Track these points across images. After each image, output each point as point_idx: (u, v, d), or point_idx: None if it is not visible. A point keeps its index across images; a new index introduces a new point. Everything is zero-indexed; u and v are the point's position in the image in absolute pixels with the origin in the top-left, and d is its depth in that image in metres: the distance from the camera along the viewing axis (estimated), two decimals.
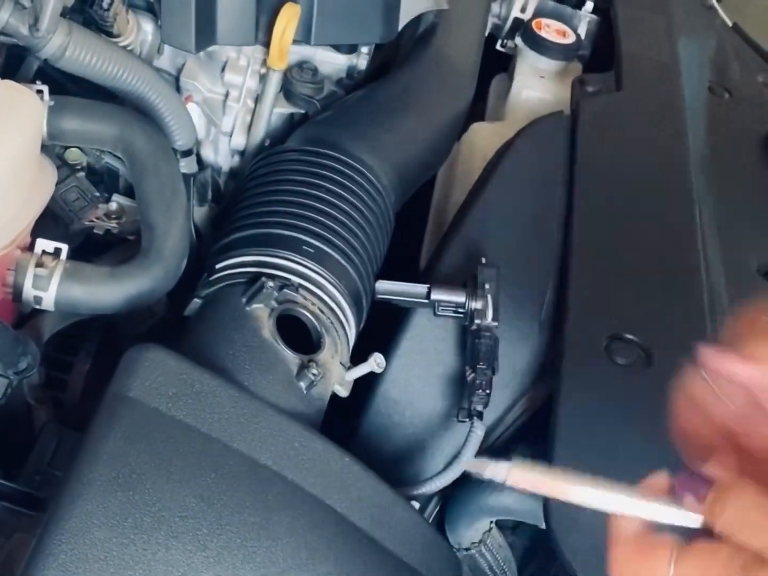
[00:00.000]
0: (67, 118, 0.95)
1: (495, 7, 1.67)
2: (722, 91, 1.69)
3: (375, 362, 0.97)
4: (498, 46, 1.68)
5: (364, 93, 1.16)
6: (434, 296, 0.99)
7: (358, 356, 1.01)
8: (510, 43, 1.67)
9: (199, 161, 1.14)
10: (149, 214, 0.93)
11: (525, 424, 1.09)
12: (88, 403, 1.13)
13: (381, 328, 1.08)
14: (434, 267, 1.11)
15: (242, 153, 1.19)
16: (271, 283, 0.89)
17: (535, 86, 1.54)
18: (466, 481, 1.00)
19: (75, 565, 0.66)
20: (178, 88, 1.17)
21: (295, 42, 1.10)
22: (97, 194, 1.02)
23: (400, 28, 1.17)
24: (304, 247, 0.96)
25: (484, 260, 1.02)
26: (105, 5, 0.99)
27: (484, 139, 1.43)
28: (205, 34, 1.06)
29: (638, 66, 1.47)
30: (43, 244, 0.87)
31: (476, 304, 0.98)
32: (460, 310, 0.99)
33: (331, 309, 0.94)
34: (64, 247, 0.87)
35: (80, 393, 1.14)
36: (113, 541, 0.68)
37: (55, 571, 0.66)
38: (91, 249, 1.05)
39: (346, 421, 1.07)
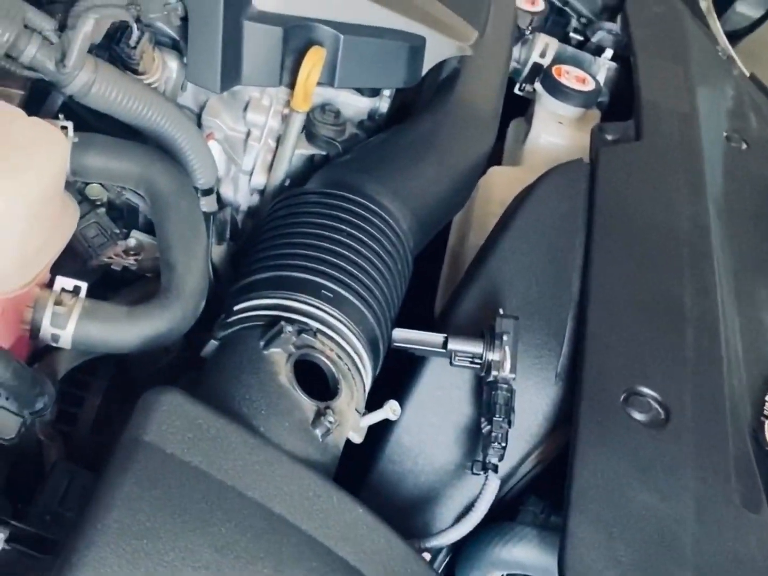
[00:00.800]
0: (91, 155, 0.95)
1: (515, 52, 1.68)
2: (739, 140, 1.70)
3: (390, 409, 0.96)
4: (516, 90, 1.69)
5: (386, 137, 1.16)
6: (451, 346, 0.98)
7: (371, 401, 1.00)
8: (528, 87, 1.68)
9: (219, 199, 1.14)
10: (170, 253, 0.93)
11: (538, 475, 1.08)
12: (97, 438, 1.12)
13: (396, 373, 1.07)
14: (450, 315, 1.10)
15: (262, 192, 1.19)
16: (289, 328, 0.89)
17: (554, 132, 1.54)
18: (478, 533, 0.99)
19: None
20: (199, 125, 1.17)
21: (318, 84, 1.10)
22: (117, 231, 1.02)
23: (423, 73, 1.17)
24: (323, 291, 0.95)
25: (501, 311, 1.01)
26: (132, 43, 1.00)
27: (501, 183, 1.43)
28: (231, 74, 1.06)
29: (658, 115, 1.47)
30: (63, 282, 0.86)
31: (494, 356, 0.98)
32: (477, 360, 0.99)
33: (349, 355, 0.93)
34: (83, 286, 0.87)
35: (90, 428, 1.14)
36: None
37: None
38: (109, 284, 1.05)
39: (358, 465, 1.06)
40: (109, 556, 0.68)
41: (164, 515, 0.72)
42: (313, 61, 1.05)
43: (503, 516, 1.05)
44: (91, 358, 1.02)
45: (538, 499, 1.07)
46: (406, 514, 1.05)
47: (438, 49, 1.17)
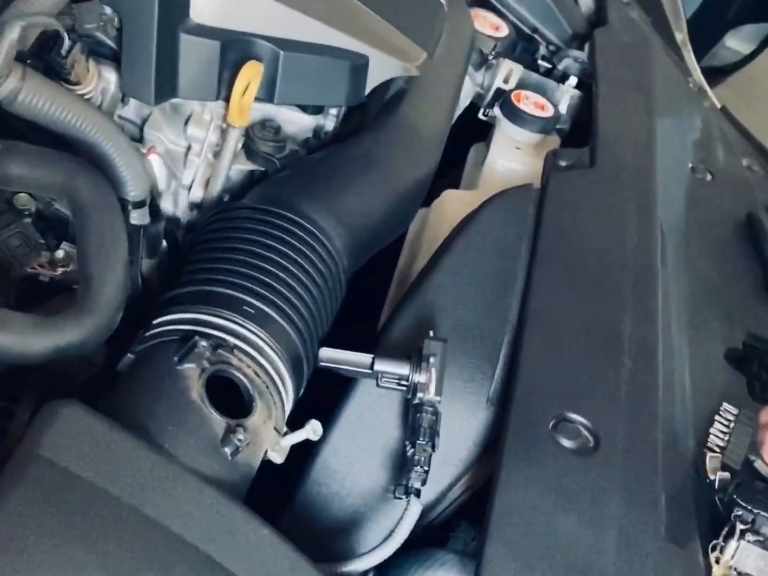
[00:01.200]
0: (14, 163, 0.94)
1: (478, 77, 1.68)
2: (704, 171, 1.70)
3: (312, 429, 0.94)
4: (480, 115, 1.69)
5: (324, 154, 1.15)
6: (377, 367, 0.97)
7: (299, 422, 0.98)
8: (492, 113, 1.68)
9: (156, 213, 1.12)
10: (87, 264, 0.91)
11: (467, 501, 1.06)
12: None
13: (325, 394, 1.05)
14: (384, 335, 1.08)
15: (200, 206, 1.18)
16: (204, 343, 0.87)
17: (511, 157, 1.54)
18: (400, 557, 0.97)
19: None
20: (141, 138, 1.16)
21: (257, 100, 1.09)
22: (42, 241, 1.00)
23: (367, 92, 1.16)
24: (245, 307, 0.93)
25: (432, 333, 1.00)
26: (63, 52, 0.99)
27: (454, 206, 1.42)
28: (166, 87, 1.05)
29: (613, 143, 1.47)
30: None
31: (419, 378, 0.96)
32: (403, 382, 0.97)
33: (267, 372, 0.92)
34: None
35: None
36: None
37: None
38: (36, 296, 1.03)
39: (283, 488, 1.04)
40: None
41: (53, 530, 0.70)
42: (249, 76, 1.04)
43: (433, 542, 1.03)
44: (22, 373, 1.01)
45: (469, 525, 1.05)
46: (331, 537, 1.03)
47: (382, 69, 1.16)
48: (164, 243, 1.14)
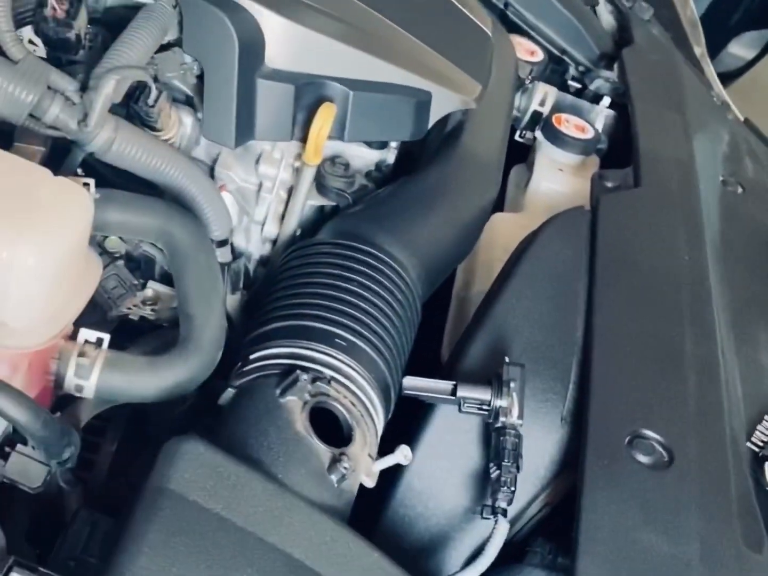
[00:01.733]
0: (112, 210, 0.98)
1: (515, 100, 1.72)
2: (735, 184, 1.73)
3: (402, 454, 0.99)
4: (517, 137, 1.73)
5: (394, 188, 1.20)
6: (460, 393, 1.01)
7: (381, 447, 1.02)
8: (528, 135, 1.72)
9: (232, 249, 1.17)
10: (188, 305, 0.96)
11: (545, 517, 1.10)
12: (113, 484, 1.15)
13: (405, 418, 1.10)
14: (458, 362, 1.12)
15: (274, 242, 1.22)
16: (304, 376, 0.92)
17: (554, 179, 1.58)
18: (488, 573, 1.01)
19: None
20: (212, 177, 1.21)
21: (328, 138, 1.13)
22: (135, 282, 1.05)
23: (429, 126, 1.21)
24: (336, 339, 0.98)
25: (507, 359, 1.04)
26: (151, 102, 1.03)
27: (504, 230, 1.46)
28: (245, 130, 1.10)
29: (656, 163, 1.51)
30: (86, 334, 0.89)
31: (501, 402, 1.00)
32: (485, 407, 1.01)
33: (362, 402, 0.96)
34: (106, 337, 0.90)
35: (105, 474, 1.16)
36: None
37: None
38: (126, 334, 1.07)
39: (369, 509, 1.08)
40: None
41: (190, 561, 0.75)
42: (324, 117, 1.09)
43: (511, 558, 1.07)
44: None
45: (546, 540, 1.09)
46: (417, 558, 1.07)
47: (443, 103, 1.21)
48: None
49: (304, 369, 0.93)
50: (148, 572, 0.73)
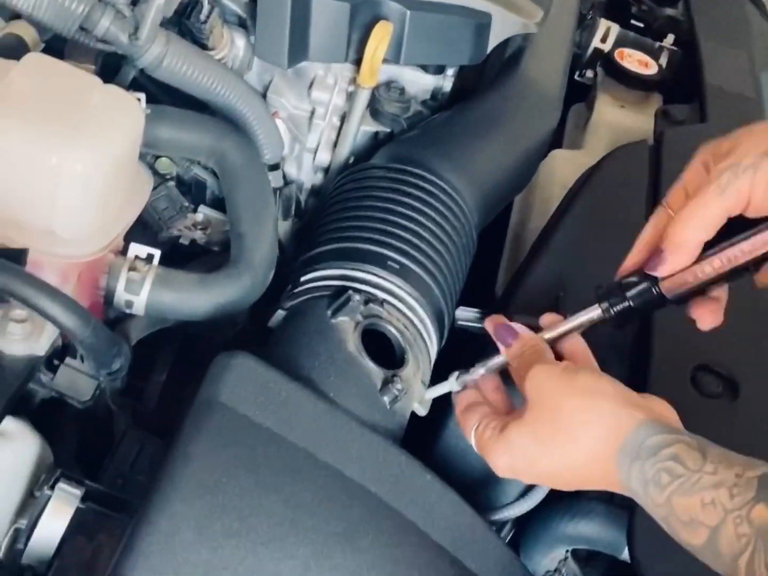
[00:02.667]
0: (163, 126, 0.96)
1: (575, 36, 1.67)
2: None
3: (455, 381, 0.96)
4: (576, 76, 1.68)
5: (450, 114, 1.16)
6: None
7: (433, 378, 1.00)
8: (588, 73, 1.67)
9: (283, 176, 1.15)
10: (240, 224, 0.94)
11: None
12: (162, 412, 1.14)
13: (457, 350, 1.07)
14: (513, 295, 1.09)
15: (326, 170, 1.19)
16: (357, 297, 0.89)
17: (615, 116, 1.53)
18: (543, 508, 0.98)
19: (165, 566, 0.66)
20: None
21: (383, 61, 1.10)
22: (186, 204, 1.03)
23: (489, 50, 1.17)
24: (390, 262, 0.95)
25: (561, 294, 1.01)
26: (203, 18, 1.01)
27: (563, 166, 1.42)
28: (298, 50, 1.07)
29: (722, 99, 1.46)
30: (137, 249, 0.87)
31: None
32: None
33: (415, 326, 0.94)
34: (157, 253, 0.88)
35: (155, 402, 1.15)
36: (203, 544, 0.68)
37: (146, 571, 0.66)
38: (176, 258, 1.06)
39: (420, 442, 1.06)
40: (186, 511, 0.69)
41: (239, 473, 0.73)
42: (380, 36, 1.06)
43: (567, 495, 1.04)
44: (158, 332, 1.04)
45: None
46: (469, 489, 1.05)
47: (503, 26, 1.16)
48: None
49: (356, 290, 0.91)
50: (196, 482, 0.71)
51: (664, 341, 1.02)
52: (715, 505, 0.66)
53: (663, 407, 0.78)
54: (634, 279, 0.84)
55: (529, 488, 0.97)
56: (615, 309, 0.85)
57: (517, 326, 0.86)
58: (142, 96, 0.94)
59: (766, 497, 0.64)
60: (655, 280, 0.82)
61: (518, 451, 0.78)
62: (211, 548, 0.68)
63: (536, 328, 0.88)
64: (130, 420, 1.02)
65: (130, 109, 0.83)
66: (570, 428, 0.76)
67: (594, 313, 0.86)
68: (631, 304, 0.84)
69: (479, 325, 1.01)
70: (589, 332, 0.94)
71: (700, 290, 0.82)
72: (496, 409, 0.85)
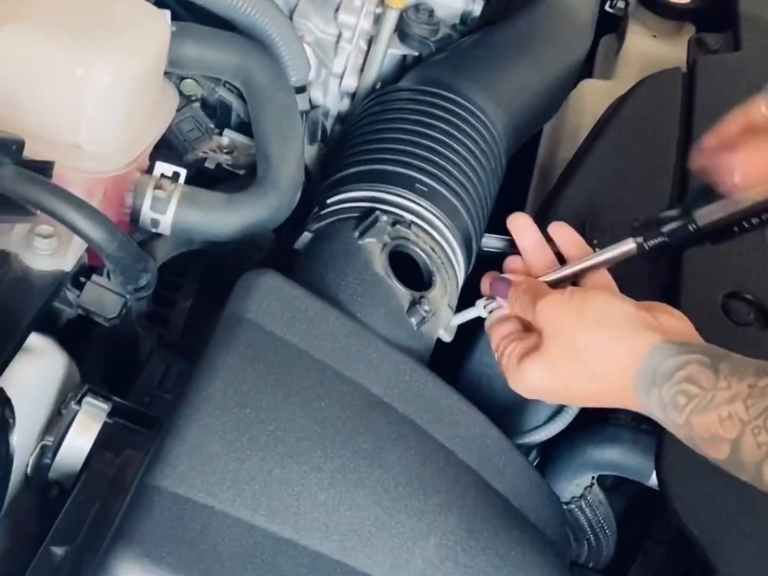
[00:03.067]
0: (189, 44, 0.95)
1: None
2: None
3: (482, 307, 0.95)
4: (607, 7, 1.64)
5: (479, 36, 1.14)
6: None
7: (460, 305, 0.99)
8: (620, 4, 1.63)
9: (309, 100, 1.13)
10: (266, 144, 0.93)
11: None
12: (188, 338, 1.14)
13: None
14: (540, 223, 1.08)
15: (352, 95, 1.18)
16: (384, 218, 0.88)
17: (647, 45, 1.50)
18: (569, 434, 0.98)
19: (192, 476, 0.66)
20: None
21: None
22: (212, 126, 1.02)
23: None
24: (417, 185, 0.94)
25: (587, 222, 1.00)
26: None
27: (593, 95, 1.39)
28: None
29: (756, 28, 1.42)
30: (163, 168, 0.87)
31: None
32: None
33: (443, 249, 0.93)
34: (183, 172, 0.87)
35: (181, 328, 1.15)
36: (230, 456, 0.68)
37: (173, 480, 0.66)
38: (201, 182, 1.05)
39: (447, 369, 1.05)
40: (214, 423, 0.69)
41: (266, 387, 0.73)
42: None
43: (594, 421, 1.04)
44: (182, 258, 1.03)
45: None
46: (496, 415, 1.04)
47: None
48: None
49: (384, 212, 0.90)
50: (223, 396, 0.71)
51: (695, 268, 1.01)
52: (732, 419, 0.66)
53: (671, 318, 0.78)
54: (671, 213, 0.82)
55: (556, 413, 0.96)
56: (650, 243, 0.83)
57: (509, 276, 0.85)
58: (167, 12, 0.92)
59: None
60: (690, 216, 0.80)
61: (537, 384, 0.79)
62: (238, 460, 0.68)
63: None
64: (156, 343, 1.02)
65: (156, 22, 0.82)
66: (586, 360, 0.76)
67: (628, 246, 0.84)
68: (667, 239, 0.82)
69: (508, 252, 1.00)
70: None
71: (736, 229, 0.80)
72: (523, 325, 0.84)
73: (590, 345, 0.76)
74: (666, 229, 0.82)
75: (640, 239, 0.83)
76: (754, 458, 0.65)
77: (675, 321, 0.78)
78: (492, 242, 1.00)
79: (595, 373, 0.76)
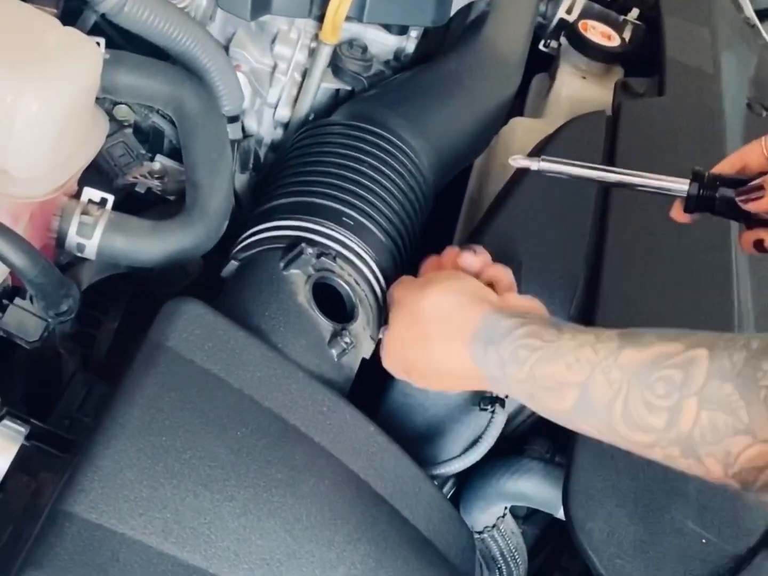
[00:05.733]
0: (122, 72, 0.96)
1: (541, 7, 1.68)
2: (760, 108, 1.69)
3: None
4: (541, 46, 1.69)
5: (411, 74, 1.17)
6: None
7: None
8: (553, 44, 1.68)
9: (243, 130, 1.15)
10: (195, 173, 0.94)
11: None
12: (113, 360, 1.14)
13: None
14: None
15: (286, 126, 1.20)
16: (309, 250, 0.90)
17: (577, 86, 1.54)
18: (484, 465, 1.01)
19: (105, 503, 0.67)
20: None
21: (347, 19, 1.10)
22: (143, 152, 1.03)
23: (451, 13, 1.17)
24: (344, 218, 0.96)
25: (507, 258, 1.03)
26: None
27: (522, 133, 1.43)
28: (261, 3, 1.06)
29: (681, 73, 1.47)
30: (90, 193, 0.88)
31: None
32: None
33: (367, 281, 0.95)
34: (110, 198, 0.88)
35: (106, 350, 1.15)
36: (144, 483, 0.69)
37: (85, 506, 0.67)
38: (131, 206, 1.06)
39: (368, 399, 1.07)
40: (129, 450, 0.70)
41: (183, 416, 0.74)
42: None
43: (511, 452, 1.07)
44: (110, 279, 1.04)
45: (544, 438, 1.08)
46: (414, 446, 1.06)
47: None
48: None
49: (310, 243, 0.92)
50: (141, 424, 0.72)
51: (607, 311, 1.04)
52: (580, 362, 0.68)
53: (519, 299, 0.82)
54: (736, 177, 0.84)
55: (472, 444, 0.99)
56: (703, 192, 0.86)
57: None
58: (102, 40, 0.93)
59: (629, 342, 0.66)
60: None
61: (392, 352, 0.86)
62: (151, 487, 0.69)
63: None
64: (79, 365, 1.02)
65: (88, 51, 0.83)
66: (425, 325, 0.80)
67: (682, 185, 0.87)
68: (717, 198, 0.85)
69: None
70: None
71: None
72: None
73: (429, 311, 0.80)
74: (720, 193, 0.85)
75: (695, 186, 0.86)
76: (605, 397, 0.66)
77: (523, 301, 0.81)
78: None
79: (431, 337, 0.79)
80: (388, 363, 0.89)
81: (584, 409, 0.67)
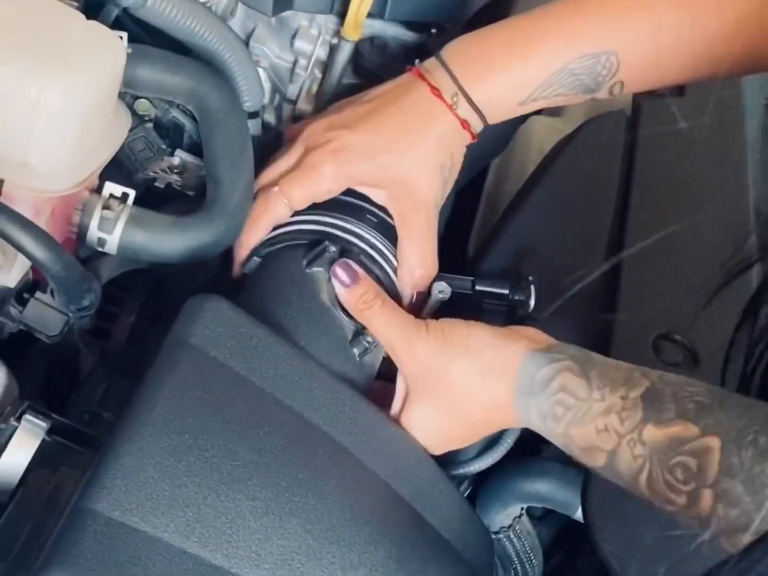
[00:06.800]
0: (144, 67, 0.95)
1: None
2: None
3: None
4: None
5: None
6: (479, 287, 1.00)
7: None
8: None
9: (262, 125, 1.14)
10: (216, 168, 0.93)
11: None
12: (129, 355, 1.14)
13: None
14: (480, 260, 1.11)
15: None
16: (333, 248, 0.90)
17: None
18: (502, 465, 1.00)
19: (127, 501, 0.67)
20: None
21: (368, 15, 1.09)
22: (164, 146, 1.02)
23: (474, 9, 1.17)
24: (368, 215, 0.96)
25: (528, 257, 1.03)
26: None
27: (541, 132, 1.43)
28: None
29: None
30: (112, 188, 0.87)
31: (519, 296, 0.99)
32: (504, 302, 1.00)
33: (391, 279, 0.94)
34: (132, 192, 0.88)
35: (123, 345, 1.15)
36: (166, 481, 0.69)
37: (107, 504, 0.66)
38: (150, 201, 1.05)
39: None
40: (151, 448, 0.70)
41: (206, 414, 0.74)
42: None
43: (528, 452, 1.06)
44: (128, 275, 1.03)
45: None
46: None
47: None
48: None
49: (333, 241, 0.91)
50: (164, 420, 0.72)
51: (626, 310, 1.04)
52: (608, 431, 0.71)
53: (528, 329, 0.84)
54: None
55: (491, 445, 0.98)
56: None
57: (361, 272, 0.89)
58: (124, 35, 0.93)
59: (651, 416, 0.69)
60: None
61: (422, 431, 0.85)
62: (174, 486, 0.69)
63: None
64: (98, 359, 1.02)
65: (111, 45, 0.82)
66: (467, 390, 0.81)
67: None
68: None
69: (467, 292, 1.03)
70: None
71: None
72: None
73: (466, 377, 0.81)
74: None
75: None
76: (630, 469, 0.69)
77: (533, 331, 0.83)
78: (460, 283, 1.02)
79: (477, 400, 0.81)
80: (418, 437, 0.86)
81: (613, 472, 0.71)
